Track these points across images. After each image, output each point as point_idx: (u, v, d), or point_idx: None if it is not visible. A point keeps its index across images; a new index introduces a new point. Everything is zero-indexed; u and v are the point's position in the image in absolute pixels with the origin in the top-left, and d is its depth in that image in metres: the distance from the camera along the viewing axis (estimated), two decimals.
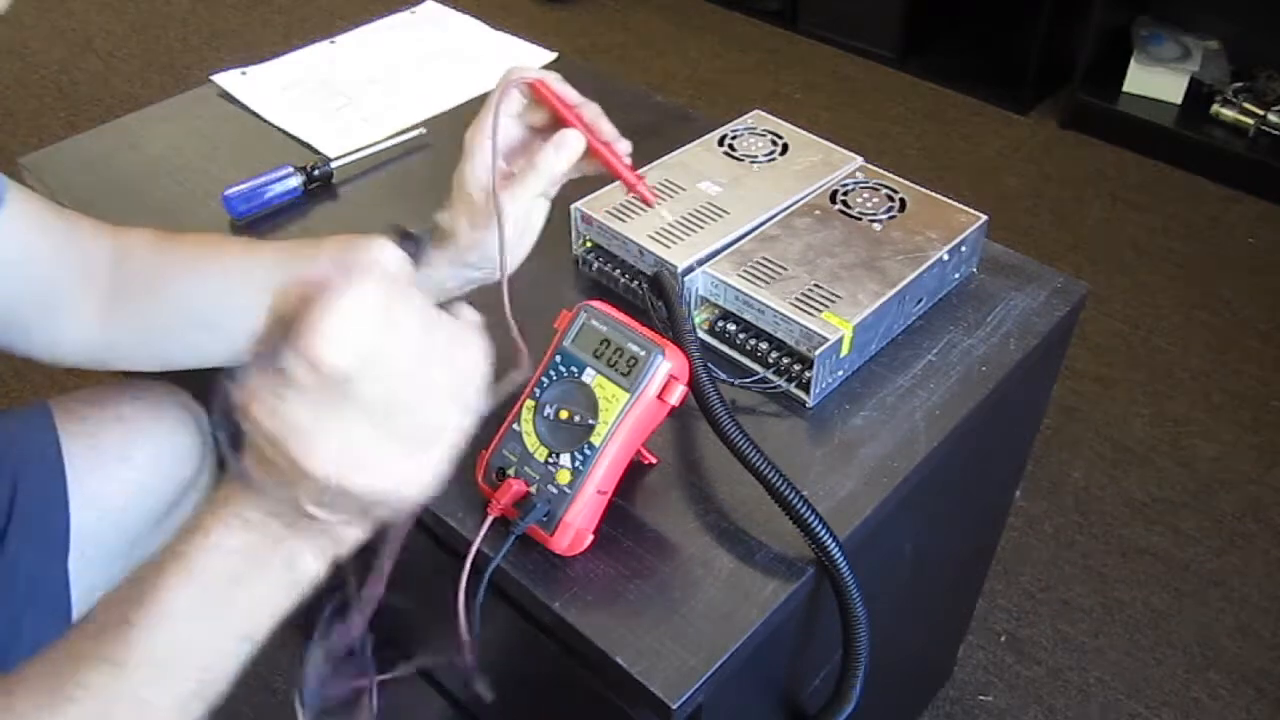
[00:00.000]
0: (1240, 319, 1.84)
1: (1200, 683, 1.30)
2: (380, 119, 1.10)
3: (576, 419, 0.64)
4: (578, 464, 0.63)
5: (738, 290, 0.77)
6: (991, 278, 0.88)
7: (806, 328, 0.74)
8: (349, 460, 0.42)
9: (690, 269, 0.80)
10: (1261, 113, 2.14)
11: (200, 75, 1.18)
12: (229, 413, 0.42)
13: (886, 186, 0.88)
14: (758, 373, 0.78)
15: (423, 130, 1.06)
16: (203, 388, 0.81)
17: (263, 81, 1.17)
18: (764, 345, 0.78)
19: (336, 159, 1.01)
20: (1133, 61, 2.25)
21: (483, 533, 0.64)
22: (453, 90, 1.15)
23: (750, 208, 0.85)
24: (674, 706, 0.58)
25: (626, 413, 0.63)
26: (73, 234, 0.71)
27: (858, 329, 0.75)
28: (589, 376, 0.64)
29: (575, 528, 0.64)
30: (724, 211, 0.85)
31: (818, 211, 0.85)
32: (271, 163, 0.98)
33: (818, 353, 0.73)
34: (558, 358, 0.66)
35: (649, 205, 0.75)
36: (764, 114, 0.97)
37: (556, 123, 0.68)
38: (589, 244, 0.87)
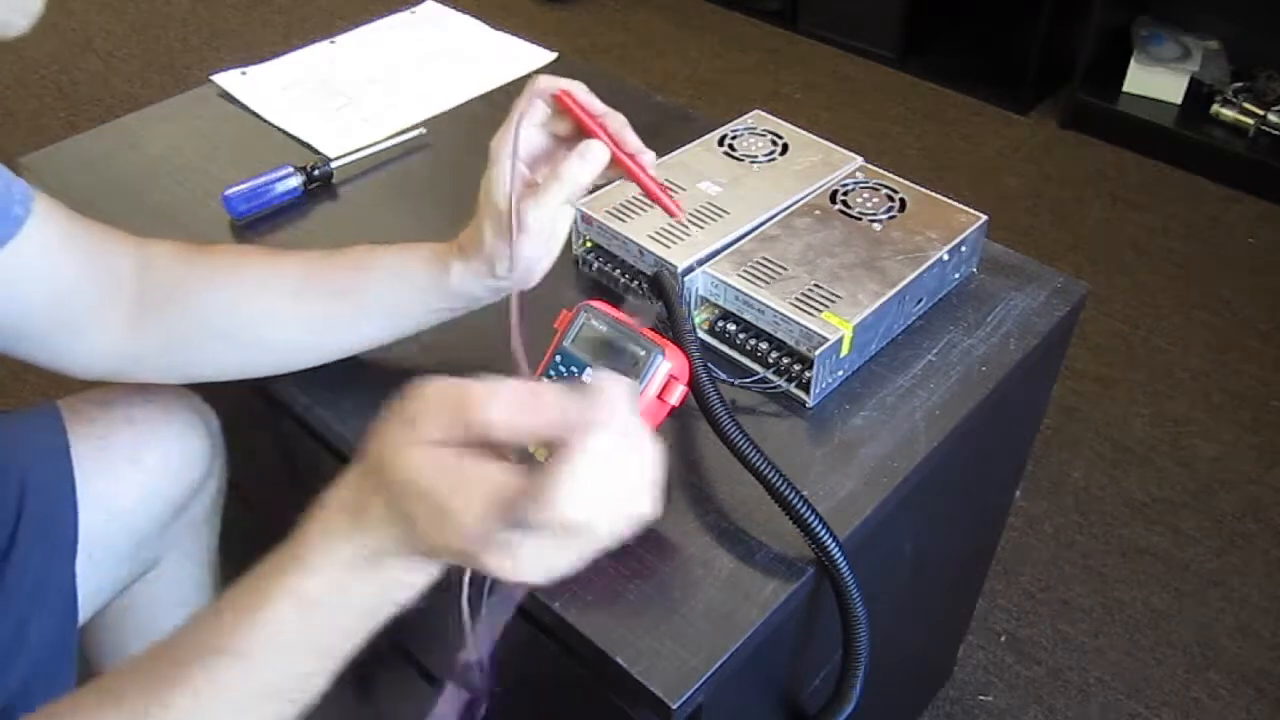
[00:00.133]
0: (1240, 319, 1.84)
1: (1200, 683, 1.30)
2: (380, 119, 1.10)
3: None
4: None
5: (738, 290, 0.77)
6: (991, 278, 0.88)
7: (806, 328, 0.74)
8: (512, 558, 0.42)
9: (690, 269, 0.80)
10: (1261, 113, 2.14)
11: (200, 75, 1.18)
12: None
13: (886, 186, 0.88)
14: (758, 373, 0.78)
15: (423, 130, 1.06)
16: (213, 389, 0.81)
17: (263, 81, 1.16)
18: (764, 345, 0.78)
19: (336, 159, 1.01)
20: (1133, 61, 2.25)
21: None
22: (453, 90, 1.15)
23: (750, 208, 0.85)
24: (674, 706, 0.58)
25: None
26: (98, 246, 0.70)
27: (858, 329, 0.75)
28: (589, 377, 0.64)
29: None
30: (724, 211, 0.85)
31: (818, 211, 0.85)
32: (271, 163, 0.98)
33: (818, 353, 0.73)
34: (557, 358, 0.66)
35: (674, 218, 0.71)
36: (764, 114, 0.97)
37: (581, 131, 0.67)
38: (589, 244, 0.87)
